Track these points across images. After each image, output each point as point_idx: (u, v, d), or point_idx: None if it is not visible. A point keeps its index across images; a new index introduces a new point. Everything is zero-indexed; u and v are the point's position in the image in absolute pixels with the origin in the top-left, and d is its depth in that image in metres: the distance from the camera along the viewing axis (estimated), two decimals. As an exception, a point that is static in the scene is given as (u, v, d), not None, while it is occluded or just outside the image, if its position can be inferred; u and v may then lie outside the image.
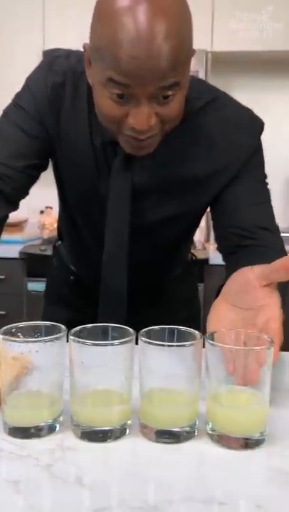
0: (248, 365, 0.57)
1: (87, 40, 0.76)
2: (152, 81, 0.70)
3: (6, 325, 0.60)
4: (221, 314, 0.71)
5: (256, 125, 0.91)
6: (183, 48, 0.71)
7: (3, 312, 2.38)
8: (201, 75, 2.40)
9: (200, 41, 2.56)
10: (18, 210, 0.95)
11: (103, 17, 0.71)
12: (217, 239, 0.95)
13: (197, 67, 2.37)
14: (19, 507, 0.47)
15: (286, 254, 0.90)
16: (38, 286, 2.31)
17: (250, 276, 0.70)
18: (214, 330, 0.63)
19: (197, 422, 0.59)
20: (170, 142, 0.83)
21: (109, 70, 0.71)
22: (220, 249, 0.95)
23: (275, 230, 0.91)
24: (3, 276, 2.40)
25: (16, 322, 0.61)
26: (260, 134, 0.91)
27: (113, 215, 0.91)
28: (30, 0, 2.52)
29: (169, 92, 0.73)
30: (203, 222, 1.02)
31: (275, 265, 0.68)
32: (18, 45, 2.54)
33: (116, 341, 0.57)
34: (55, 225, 2.46)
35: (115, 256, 0.93)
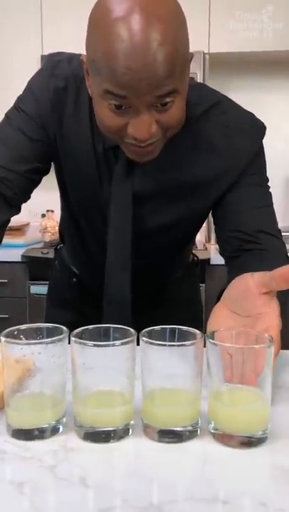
0: (246, 373, 0.58)
1: (85, 47, 0.76)
2: (149, 90, 0.70)
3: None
4: (220, 320, 0.71)
5: (257, 129, 0.91)
6: (178, 55, 0.71)
7: (6, 315, 2.39)
8: (199, 77, 2.41)
9: (197, 43, 2.57)
10: (20, 213, 0.96)
11: (96, 29, 0.71)
12: (219, 243, 0.95)
13: (195, 69, 2.37)
14: (24, 508, 0.47)
15: (288, 259, 0.91)
16: (40, 289, 2.31)
17: (250, 283, 0.70)
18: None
19: (199, 421, 0.59)
20: (171, 147, 0.83)
21: (105, 82, 0.71)
22: (221, 252, 0.95)
23: (276, 233, 0.91)
24: (5, 280, 2.40)
25: (18, 325, 0.61)
26: (262, 138, 0.91)
27: (115, 221, 0.91)
28: (28, 8, 2.52)
29: (167, 99, 0.72)
30: (204, 223, 1.02)
31: (274, 274, 0.68)
32: (16, 53, 2.55)
33: (117, 342, 0.57)
34: (57, 228, 2.47)
35: (118, 263, 0.93)
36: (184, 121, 0.79)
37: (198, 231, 1.06)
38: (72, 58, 0.89)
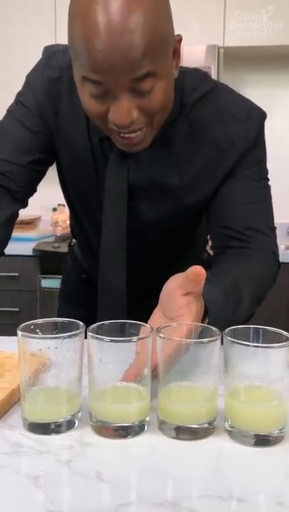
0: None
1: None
2: (123, 73, 0.68)
3: (20, 322, 0.60)
4: (152, 322, 0.67)
5: (255, 117, 0.87)
6: (155, 37, 0.69)
7: (17, 309, 2.40)
8: (213, 71, 2.39)
9: (212, 37, 2.56)
10: (31, 207, 0.95)
11: (72, 17, 0.71)
12: (210, 238, 0.93)
13: (209, 63, 2.35)
14: (40, 502, 0.48)
15: (276, 259, 0.87)
16: (51, 283, 2.32)
17: (174, 284, 0.66)
18: None
19: (216, 419, 0.59)
20: (165, 136, 0.81)
21: (83, 69, 0.71)
22: (212, 249, 0.93)
23: (268, 231, 0.87)
24: (16, 274, 2.41)
25: (29, 319, 0.61)
26: (260, 127, 0.87)
27: (110, 209, 0.89)
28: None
29: (145, 84, 0.70)
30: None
31: (185, 274, 0.64)
32: (29, 42, 2.54)
33: (134, 338, 0.57)
34: (68, 222, 2.47)
35: (113, 252, 0.91)
36: (170, 104, 0.77)
37: (199, 226, 1.01)
38: (67, 49, 0.89)
